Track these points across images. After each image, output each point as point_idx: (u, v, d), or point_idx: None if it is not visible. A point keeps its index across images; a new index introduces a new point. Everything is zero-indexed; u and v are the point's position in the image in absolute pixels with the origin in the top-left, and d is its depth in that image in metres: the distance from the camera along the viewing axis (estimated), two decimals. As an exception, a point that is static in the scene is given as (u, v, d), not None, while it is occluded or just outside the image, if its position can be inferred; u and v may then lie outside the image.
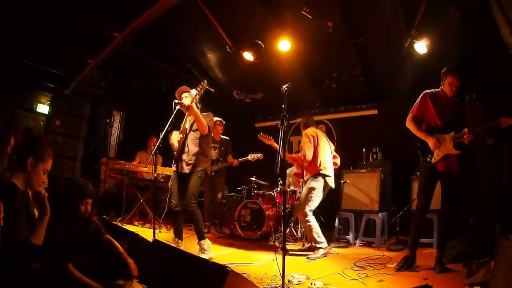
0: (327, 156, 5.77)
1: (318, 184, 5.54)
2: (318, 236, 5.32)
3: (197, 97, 4.73)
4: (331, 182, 5.70)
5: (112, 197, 7.95)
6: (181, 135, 4.93)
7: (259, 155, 6.90)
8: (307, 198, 5.46)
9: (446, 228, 4.47)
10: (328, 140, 6.08)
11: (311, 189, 5.49)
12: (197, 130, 4.93)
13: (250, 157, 6.95)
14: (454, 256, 4.51)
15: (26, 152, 2.45)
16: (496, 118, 3.93)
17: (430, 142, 4.39)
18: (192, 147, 4.90)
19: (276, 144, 5.82)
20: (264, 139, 5.98)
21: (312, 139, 5.65)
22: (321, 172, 5.57)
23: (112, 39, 6.70)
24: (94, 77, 8.27)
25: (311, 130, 5.82)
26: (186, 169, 4.84)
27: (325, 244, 5.34)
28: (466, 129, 4.12)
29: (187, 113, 4.80)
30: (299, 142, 5.93)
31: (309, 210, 5.41)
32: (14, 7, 5.90)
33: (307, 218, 5.35)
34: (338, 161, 6.18)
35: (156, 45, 7.89)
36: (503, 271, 2.49)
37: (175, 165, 5.01)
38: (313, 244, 5.34)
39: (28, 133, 2.53)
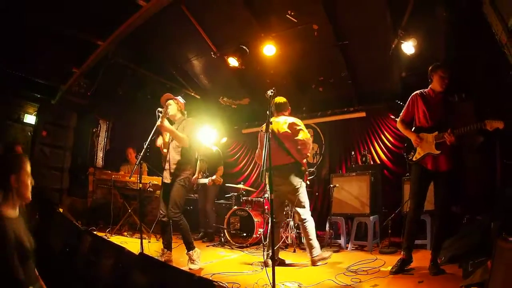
0: None
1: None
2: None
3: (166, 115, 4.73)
4: None
5: (101, 207, 7.85)
6: (164, 150, 4.91)
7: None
8: (305, 196, 5.03)
9: (440, 230, 4.40)
10: None
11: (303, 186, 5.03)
12: None
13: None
14: (450, 257, 4.49)
15: (6, 171, 2.32)
16: (483, 119, 3.86)
17: (412, 138, 4.39)
18: (174, 155, 4.84)
19: None
20: None
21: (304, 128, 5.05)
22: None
23: (96, 48, 6.62)
24: (80, 86, 8.16)
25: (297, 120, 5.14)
26: (169, 179, 4.79)
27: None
28: (449, 130, 4.08)
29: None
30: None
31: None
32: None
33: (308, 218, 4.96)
34: None
35: (140, 52, 7.81)
36: (502, 274, 2.43)
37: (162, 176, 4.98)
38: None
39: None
